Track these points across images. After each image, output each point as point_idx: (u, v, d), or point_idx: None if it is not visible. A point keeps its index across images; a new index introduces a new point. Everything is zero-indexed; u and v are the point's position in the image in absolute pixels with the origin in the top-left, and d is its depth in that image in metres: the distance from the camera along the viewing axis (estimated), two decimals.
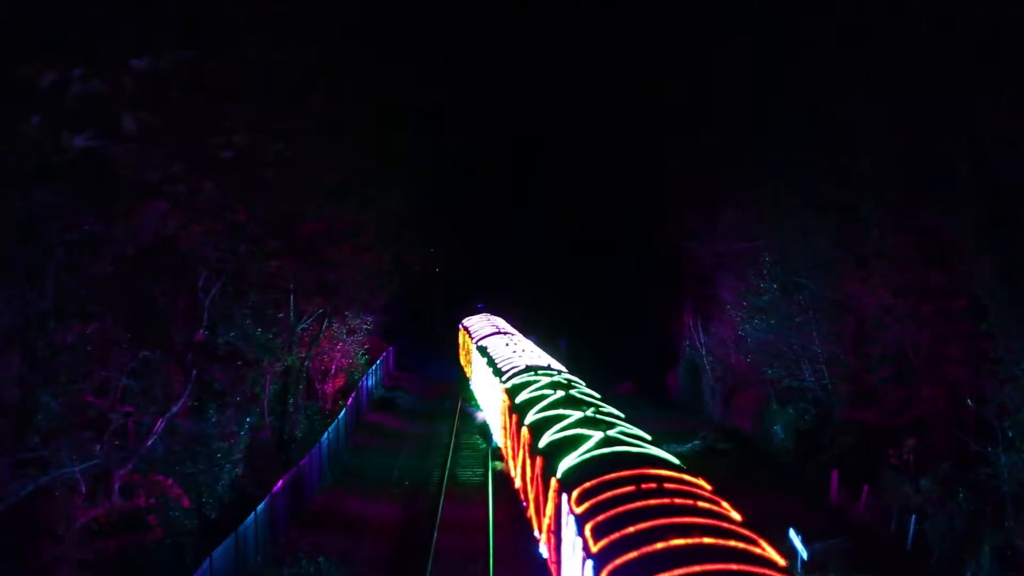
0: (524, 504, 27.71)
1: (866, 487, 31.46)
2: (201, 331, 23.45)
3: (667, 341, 63.42)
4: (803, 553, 25.67)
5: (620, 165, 73.39)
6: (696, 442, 43.06)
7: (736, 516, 16.66)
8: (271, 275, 28.36)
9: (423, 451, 43.58)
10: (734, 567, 12.77)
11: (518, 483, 29.49)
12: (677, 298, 59.17)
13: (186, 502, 20.62)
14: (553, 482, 21.38)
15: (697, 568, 13.20)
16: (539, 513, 24.14)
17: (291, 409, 36.80)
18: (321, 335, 40.07)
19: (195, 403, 24.53)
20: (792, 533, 26.63)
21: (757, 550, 14.45)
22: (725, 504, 17.32)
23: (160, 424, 20.93)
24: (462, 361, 64.14)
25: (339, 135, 32.52)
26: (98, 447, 16.69)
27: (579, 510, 17.63)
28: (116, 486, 19.33)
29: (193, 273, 22.83)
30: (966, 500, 26.61)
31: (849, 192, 31.81)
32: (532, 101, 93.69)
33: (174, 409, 21.39)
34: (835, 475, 34.20)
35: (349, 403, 44.21)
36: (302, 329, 37.08)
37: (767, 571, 13.33)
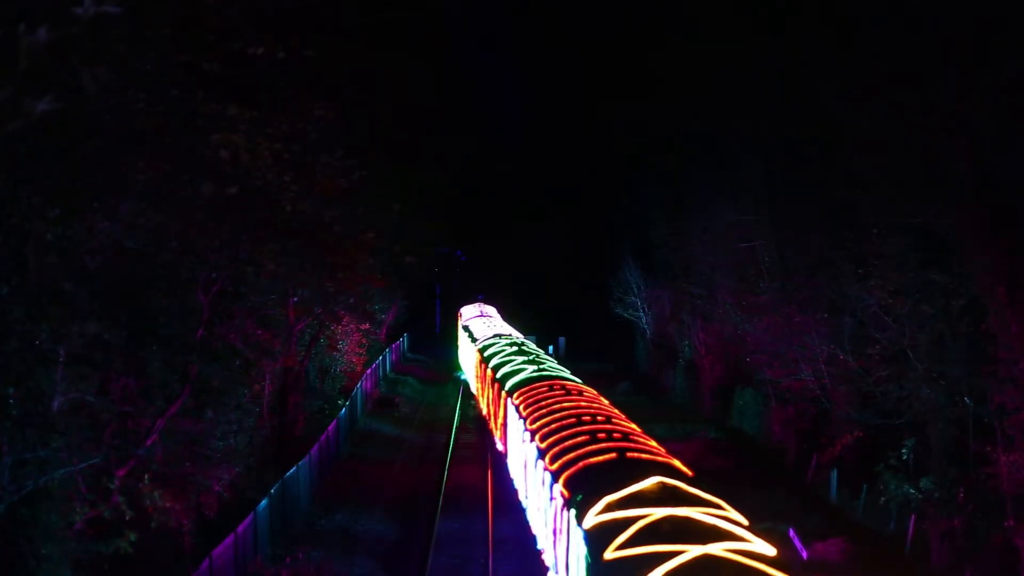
0: (487, 419, 41.51)
1: (866, 487, 31.43)
2: (200, 330, 23.34)
3: (666, 340, 63.38)
4: (803, 553, 25.66)
5: (620, 164, 73.35)
6: (695, 440, 43.02)
7: (607, 402, 29.87)
8: (270, 280, 28.22)
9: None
10: (599, 416, 25.28)
11: (485, 410, 43.40)
12: (676, 298, 59.14)
13: (174, 522, 20.49)
14: (503, 393, 33.95)
15: (575, 410, 26.04)
16: (495, 420, 37.31)
17: (291, 409, 36.77)
18: (321, 337, 40.02)
19: (194, 403, 24.42)
20: (792, 533, 26.63)
21: (612, 408, 28.19)
22: (604, 398, 30.91)
23: (159, 424, 20.85)
24: (458, 341, 71.39)
25: (340, 137, 32.31)
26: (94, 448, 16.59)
27: (517, 401, 30.58)
28: (115, 487, 19.26)
29: (192, 272, 22.70)
30: (966, 500, 26.58)
31: (849, 192, 31.70)
32: (532, 101, 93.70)
33: (173, 409, 21.32)
34: (835, 475, 34.19)
35: (368, 372, 53.42)
36: (302, 328, 36.99)
37: (621, 421, 25.46)
